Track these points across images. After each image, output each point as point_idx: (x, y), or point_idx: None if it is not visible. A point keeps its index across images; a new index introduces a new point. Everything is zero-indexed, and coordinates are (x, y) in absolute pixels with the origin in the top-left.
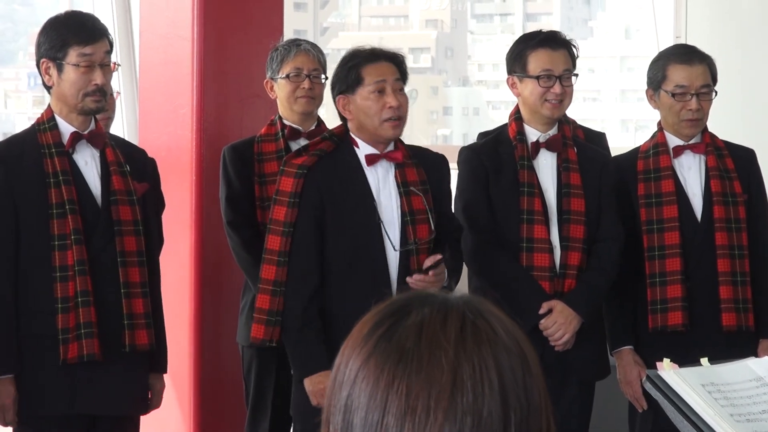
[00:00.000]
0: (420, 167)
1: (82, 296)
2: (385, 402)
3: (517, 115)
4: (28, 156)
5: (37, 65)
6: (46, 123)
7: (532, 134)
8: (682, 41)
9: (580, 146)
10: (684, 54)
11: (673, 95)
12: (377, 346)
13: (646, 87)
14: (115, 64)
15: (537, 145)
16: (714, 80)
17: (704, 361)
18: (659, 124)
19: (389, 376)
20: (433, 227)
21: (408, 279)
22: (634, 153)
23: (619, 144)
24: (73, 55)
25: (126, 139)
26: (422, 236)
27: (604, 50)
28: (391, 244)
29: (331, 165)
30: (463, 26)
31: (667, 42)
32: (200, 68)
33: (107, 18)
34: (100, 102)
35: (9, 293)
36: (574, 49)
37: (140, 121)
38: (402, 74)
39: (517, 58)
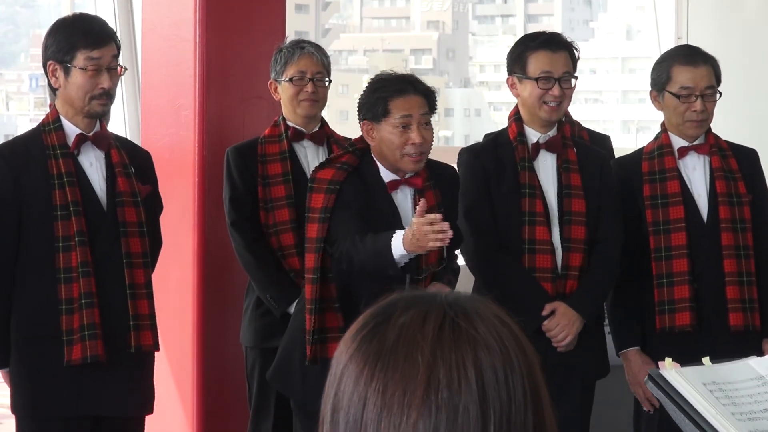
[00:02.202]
0: (437, 188)
1: (86, 298)
2: (364, 400)
3: (516, 116)
4: (33, 157)
5: (44, 66)
6: (51, 124)
7: (532, 135)
8: (683, 42)
9: (580, 146)
10: (688, 55)
11: (678, 96)
12: (360, 346)
13: (649, 88)
14: (122, 67)
15: (537, 146)
16: (718, 81)
17: (706, 360)
18: (663, 125)
19: (368, 375)
20: (445, 255)
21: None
22: (639, 154)
23: (620, 145)
24: (80, 59)
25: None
26: (432, 261)
27: (605, 51)
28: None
29: (361, 179)
30: (464, 28)
31: (669, 43)
32: (202, 70)
33: (109, 20)
34: (107, 105)
35: (5, 293)
36: (575, 51)
37: (142, 122)
38: (431, 107)
39: (518, 59)
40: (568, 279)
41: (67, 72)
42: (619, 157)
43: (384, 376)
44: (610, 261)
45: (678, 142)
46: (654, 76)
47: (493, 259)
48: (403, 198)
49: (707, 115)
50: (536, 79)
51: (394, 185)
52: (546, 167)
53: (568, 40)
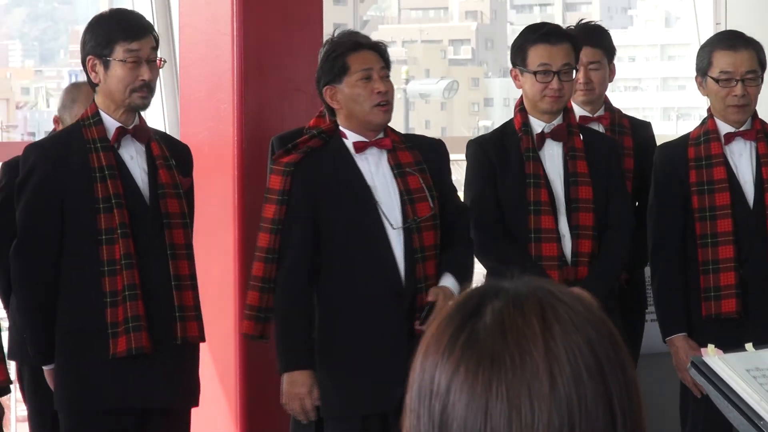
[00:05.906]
0: (414, 150)
1: (130, 290)
2: (485, 407)
3: (521, 107)
4: (73, 151)
5: (83, 63)
6: (91, 118)
7: (537, 125)
8: (722, 28)
9: (587, 133)
10: (729, 39)
11: (718, 81)
12: (464, 354)
13: (689, 75)
14: (161, 59)
15: (542, 136)
16: (762, 66)
17: (749, 346)
18: (709, 110)
19: (485, 381)
20: (432, 205)
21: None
22: (684, 140)
23: (661, 132)
24: (119, 51)
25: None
26: (422, 213)
27: (644, 39)
28: (389, 223)
29: (319, 159)
30: (502, 17)
31: (708, 29)
32: (240, 63)
33: (147, 14)
34: (147, 98)
35: (51, 287)
36: (576, 43)
37: (181, 116)
38: (386, 62)
39: (518, 52)
40: (579, 265)
41: (106, 66)
42: (664, 143)
43: (505, 379)
44: (618, 247)
45: (724, 127)
46: (697, 61)
47: (499, 248)
48: (376, 159)
49: (749, 99)
50: (534, 73)
51: (363, 146)
52: (552, 156)
53: (568, 31)
